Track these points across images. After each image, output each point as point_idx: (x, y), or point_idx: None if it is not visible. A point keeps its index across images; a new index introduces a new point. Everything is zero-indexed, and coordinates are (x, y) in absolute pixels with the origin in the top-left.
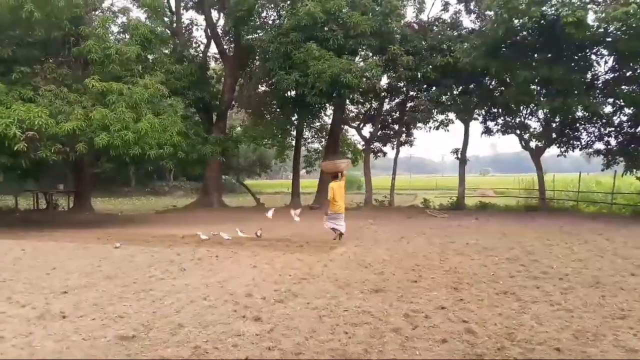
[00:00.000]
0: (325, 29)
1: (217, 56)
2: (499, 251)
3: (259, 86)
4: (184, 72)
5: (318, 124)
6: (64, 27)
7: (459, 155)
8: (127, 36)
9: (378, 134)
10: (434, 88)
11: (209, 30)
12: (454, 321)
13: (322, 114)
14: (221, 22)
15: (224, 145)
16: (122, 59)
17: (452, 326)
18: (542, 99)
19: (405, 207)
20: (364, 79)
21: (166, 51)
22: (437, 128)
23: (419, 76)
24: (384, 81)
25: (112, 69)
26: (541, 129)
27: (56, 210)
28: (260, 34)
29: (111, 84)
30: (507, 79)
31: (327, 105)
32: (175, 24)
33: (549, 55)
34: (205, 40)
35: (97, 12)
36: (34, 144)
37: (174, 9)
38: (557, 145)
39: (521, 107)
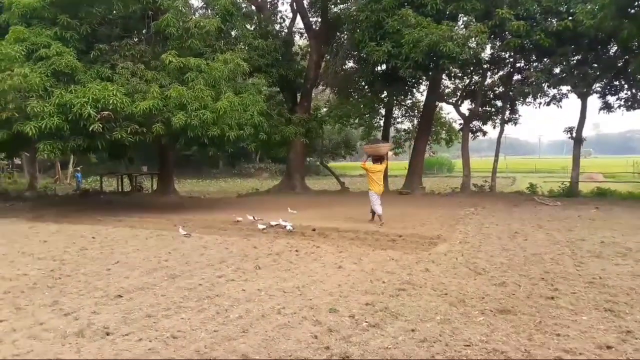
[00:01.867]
0: None
1: (303, 31)
2: None
3: (346, 62)
4: (267, 48)
5: (409, 101)
6: (142, 1)
7: (574, 134)
8: (209, 12)
9: (479, 111)
10: (545, 58)
11: (294, 4)
12: None
13: (415, 90)
14: None
15: (308, 126)
16: (201, 33)
17: None
18: None
19: (509, 193)
20: (467, 48)
21: (250, 27)
22: (549, 104)
23: (529, 45)
24: (487, 52)
25: (191, 44)
26: None
27: (140, 193)
28: (349, 4)
29: (189, 59)
30: (635, 45)
31: (422, 79)
32: None
33: None
34: (290, 15)
35: None
36: (109, 124)
37: None
38: None
39: None
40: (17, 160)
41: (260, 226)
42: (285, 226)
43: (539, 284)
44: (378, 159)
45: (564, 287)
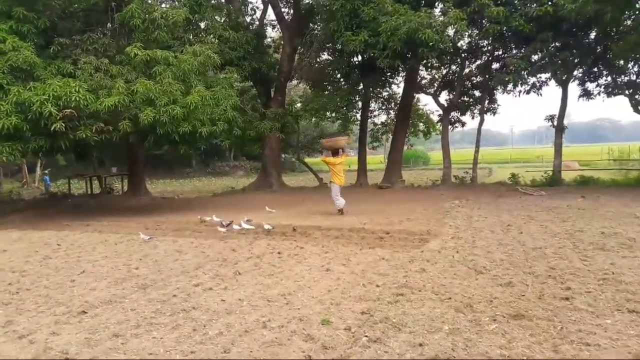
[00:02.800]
0: None
1: (275, 23)
2: None
3: (321, 53)
4: (239, 40)
5: (386, 93)
6: None
7: (555, 123)
8: (176, 2)
9: (458, 101)
10: (525, 45)
11: None
12: None
13: (392, 81)
14: None
15: (283, 121)
16: (168, 25)
17: None
18: None
19: (491, 184)
20: (446, 36)
21: (219, 18)
22: (528, 92)
23: (508, 32)
24: (465, 40)
25: (157, 36)
26: None
27: (110, 195)
28: None
29: (155, 51)
30: (614, 29)
31: (401, 69)
32: None
33: None
34: (261, 6)
35: None
36: (73, 122)
37: None
38: None
39: (629, 65)
40: None
41: (222, 229)
42: (244, 228)
43: (548, 282)
44: (336, 152)
45: (577, 286)
